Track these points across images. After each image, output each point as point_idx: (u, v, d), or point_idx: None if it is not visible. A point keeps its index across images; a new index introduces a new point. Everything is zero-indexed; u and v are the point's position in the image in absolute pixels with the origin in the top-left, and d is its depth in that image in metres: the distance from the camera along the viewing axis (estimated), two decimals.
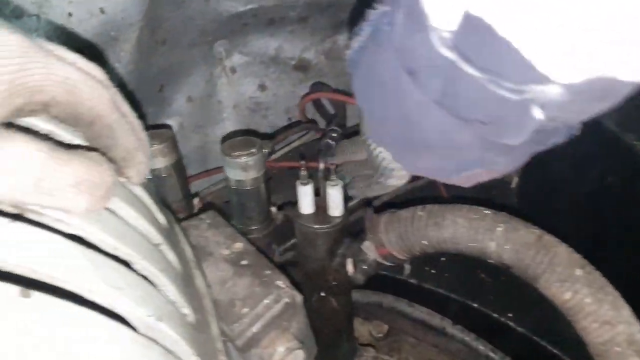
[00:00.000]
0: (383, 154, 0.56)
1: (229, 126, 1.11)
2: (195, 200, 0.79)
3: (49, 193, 0.30)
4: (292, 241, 0.76)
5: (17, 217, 0.30)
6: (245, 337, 0.51)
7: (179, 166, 0.71)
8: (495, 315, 0.89)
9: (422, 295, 0.95)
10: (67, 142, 0.34)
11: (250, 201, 0.70)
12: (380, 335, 0.98)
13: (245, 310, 0.52)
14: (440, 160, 0.46)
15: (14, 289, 0.27)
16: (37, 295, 0.27)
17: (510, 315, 0.87)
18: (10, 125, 0.30)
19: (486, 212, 0.60)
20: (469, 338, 0.88)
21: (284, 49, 1.09)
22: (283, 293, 0.54)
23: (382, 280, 0.97)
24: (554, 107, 0.34)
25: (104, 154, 0.34)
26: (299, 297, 0.55)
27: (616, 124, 0.65)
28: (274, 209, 0.75)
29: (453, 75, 0.35)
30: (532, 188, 0.87)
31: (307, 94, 1.10)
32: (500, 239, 0.59)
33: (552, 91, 0.33)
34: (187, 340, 0.34)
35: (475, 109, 0.37)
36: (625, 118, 0.64)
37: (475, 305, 0.90)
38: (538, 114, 0.35)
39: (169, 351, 0.31)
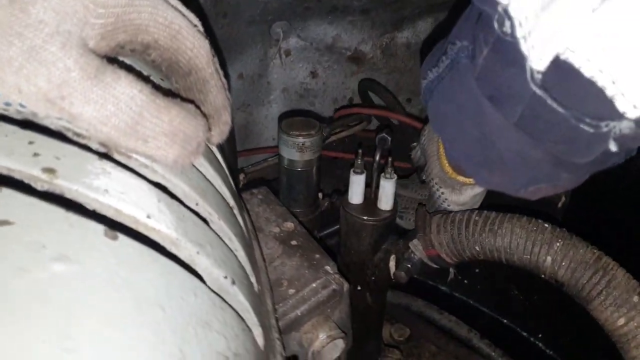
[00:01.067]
0: (445, 195, 0.62)
1: (275, 109, 1.10)
2: (241, 176, 0.78)
3: (143, 139, 0.29)
4: (333, 228, 0.75)
5: (105, 156, 0.29)
6: (288, 319, 0.50)
7: (231, 136, 0.70)
8: (524, 334, 0.87)
9: (452, 304, 0.93)
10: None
11: (300, 183, 0.69)
12: (402, 339, 0.97)
13: (292, 291, 0.51)
14: (512, 175, 0.49)
15: (100, 228, 0.26)
16: (122, 238, 0.26)
17: (540, 336, 0.85)
18: (113, 61, 0.29)
19: (545, 225, 0.58)
20: (494, 354, 0.86)
21: (341, 38, 1.08)
22: (332, 279, 0.52)
23: (412, 283, 0.96)
24: (626, 140, 0.38)
25: (199, 112, 0.33)
26: (346, 286, 0.53)
27: None
28: (320, 195, 0.74)
29: (536, 105, 0.38)
30: (580, 212, 0.85)
31: (343, 107, 1.10)
32: (557, 254, 0.57)
33: (626, 125, 0.36)
34: (254, 309, 0.33)
35: (552, 134, 0.40)
36: None
37: (505, 321, 0.89)
38: (613, 146, 0.38)
39: (241, 318, 0.30)
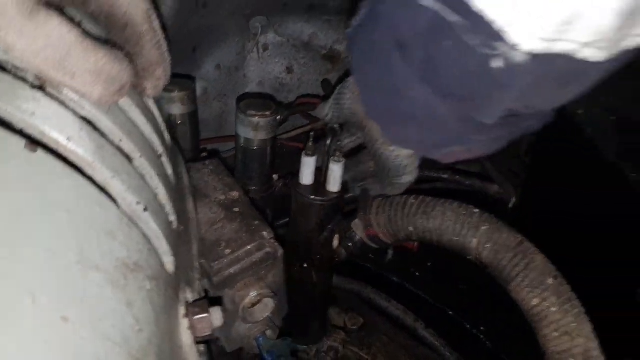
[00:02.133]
0: (397, 152, 0.59)
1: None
2: (203, 154, 0.82)
3: (70, 74, 0.33)
4: (287, 220, 0.79)
5: (39, 87, 0.33)
6: (222, 276, 0.54)
7: (193, 117, 0.74)
8: (468, 326, 0.91)
9: (402, 295, 0.97)
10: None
11: (254, 161, 0.73)
12: (355, 327, 1.00)
13: (228, 251, 0.55)
14: (422, 133, 0.51)
15: (22, 141, 0.30)
16: (40, 152, 0.30)
17: (482, 328, 0.89)
18: (50, 6, 0.33)
19: (475, 210, 0.62)
20: (438, 343, 0.90)
21: (317, 36, 1.12)
22: (267, 243, 0.56)
23: (366, 273, 1.00)
24: (522, 83, 0.38)
25: (128, 58, 0.37)
26: (280, 251, 0.57)
27: (616, 156, 0.67)
28: (275, 177, 0.78)
29: (434, 40, 0.39)
30: (532, 209, 0.89)
31: (305, 95, 1.14)
32: (483, 237, 0.61)
33: (519, 57, 0.36)
34: (168, 239, 0.36)
35: (453, 81, 0.41)
36: (624, 150, 0.66)
37: (450, 313, 0.92)
38: (513, 95, 0.39)
39: (148, 240, 0.34)
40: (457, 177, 0.96)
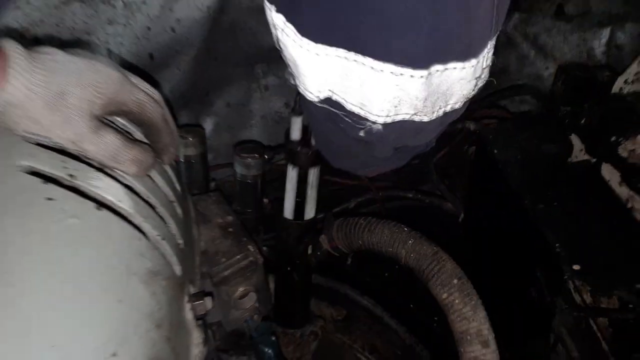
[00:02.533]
0: None
1: (255, 131, 1.38)
2: (212, 184, 1.07)
3: (118, 162, 0.57)
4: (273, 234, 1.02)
5: (100, 169, 0.57)
6: (219, 277, 0.78)
7: (204, 157, 0.99)
8: (423, 316, 1.13)
9: (376, 293, 1.19)
10: (133, 135, 0.61)
11: (248, 191, 0.97)
12: (340, 318, 1.23)
13: (223, 259, 0.79)
14: (350, 162, 0.68)
15: (93, 204, 0.54)
16: (104, 210, 0.54)
17: (435, 318, 1.11)
18: (105, 121, 0.57)
19: (405, 228, 0.85)
20: (400, 330, 1.13)
21: None
22: (250, 254, 0.80)
23: (345, 274, 1.23)
24: (387, 139, 0.53)
25: (152, 144, 0.61)
26: (261, 260, 0.81)
27: (518, 184, 0.89)
28: (266, 200, 1.02)
29: (330, 122, 0.53)
30: (472, 223, 1.11)
31: None
32: (409, 249, 0.83)
33: (377, 126, 0.50)
34: (177, 256, 0.61)
35: (345, 143, 0.58)
36: (524, 181, 0.88)
37: (411, 306, 1.15)
38: (376, 139, 0.52)
39: (164, 256, 0.58)
40: (420, 196, 1.19)
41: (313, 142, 0.84)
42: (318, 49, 0.45)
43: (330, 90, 0.49)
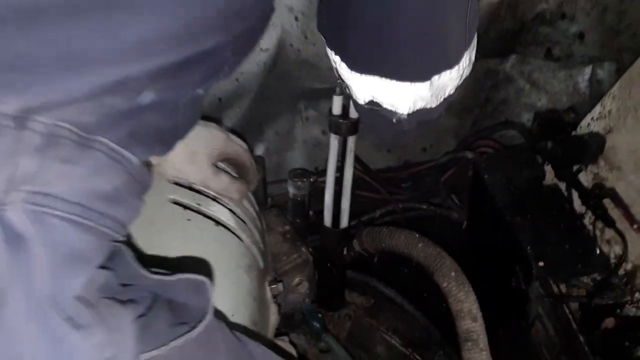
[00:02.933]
0: None
1: (297, 153, 1.69)
2: (269, 199, 1.38)
3: (227, 192, 0.88)
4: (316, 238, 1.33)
5: (213, 199, 0.89)
6: (282, 270, 1.08)
7: (264, 180, 1.30)
8: (434, 302, 1.43)
9: (397, 285, 1.49)
10: (232, 173, 0.93)
11: (298, 207, 1.27)
12: (368, 305, 1.54)
13: (284, 258, 1.09)
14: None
15: (213, 222, 0.85)
16: (220, 227, 0.85)
17: (444, 304, 1.41)
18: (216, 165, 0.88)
19: (417, 235, 1.15)
20: (416, 314, 1.43)
21: None
22: (303, 254, 1.11)
23: (373, 270, 1.53)
24: (411, 119, 0.74)
25: (244, 181, 0.93)
26: (310, 258, 1.12)
27: (502, 204, 1.18)
28: (311, 212, 1.32)
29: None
30: (471, 230, 1.40)
31: None
32: (419, 250, 1.13)
33: (404, 116, 0.71)
34: (260, 255, 0.92)
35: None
36: (508, 202, 1.18)
37: (425, 295, 1.45)
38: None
39: (254, 256, 0.89)
40: (431, 207, 1.49)
41: (350, 114, 1.14)
42: (362, 77, 0.69)
43: (371, 97, 0.71)
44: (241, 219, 0.90)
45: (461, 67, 0.70)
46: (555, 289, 1.20)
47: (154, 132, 0.52)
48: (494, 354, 1.11)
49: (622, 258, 1.06)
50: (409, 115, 0.72)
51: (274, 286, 0.93)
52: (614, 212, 1.09)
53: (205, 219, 0.85)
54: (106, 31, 0.43)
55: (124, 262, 0.51)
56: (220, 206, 0.88)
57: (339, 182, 1.21)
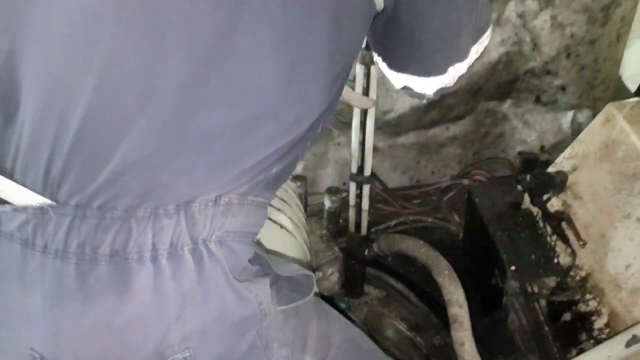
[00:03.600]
0: None
1: (330, 171, 2.07)
2: (308, 209, 1.76)
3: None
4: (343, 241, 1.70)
5: (279, 209, 1.27)
6: (319, 263, 1.46)
7: (306, 194, 1.68)
8: (435, 295, 1.80)
9: (406, 280, 1.86)
10: None
11: (331, 216, 1.65)
12: (381, 296, 1.91)
13: (321, 254, 1.47)
14: None
15: (278, 226, 1.24)
16: (283, 230, 1.24)
17: (441, 297, 1.77)
18: None
19: (421, 242, 1.52)
20: (420, 305, 1.80)
21: None
22: (335, 252, 1.48)
23: (387, 268, 1.90)
24: (436, 94, 1.01)
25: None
26: (341, 255, 1.49)
27: (488, 224, 1.55)
28: (340, 220, 1.70)
29: None
30: (466, 239, 1.77)
31: None
32: (422, 253, 1.51)
33: (432, 96, 1.02)
34: (309, 252, 1.30)
35: None
36: (492, 220, 1.55)
37: (427, 289, 1.82)
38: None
39: (306, 254, 1.28)
40: (436, 220, 1.87)
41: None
42: (398, 74, 0.96)
43: (405, 85, 0.97)
44: (296, 224, 1.29)
45: (468, 60, 0.95)
46: (529, 289, 1.58)
47: (280, 177, 0.86)
48: (478, 338, 1.48)
49: (572, 266, 1.42)
50: (434, 94, 1.00)
51: (315, 274, 1.31)
52: (569, 232, 1.46)
53: (273, 223, 1.23)
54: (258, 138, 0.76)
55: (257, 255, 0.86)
56: (283, 215, 1.26)
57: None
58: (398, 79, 0.98)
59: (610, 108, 1.49)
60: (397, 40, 0.89)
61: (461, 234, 1.80)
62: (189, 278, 0.73)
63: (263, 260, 0.86)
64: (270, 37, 0.71)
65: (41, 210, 0.70)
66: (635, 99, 1.53)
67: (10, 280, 0.72)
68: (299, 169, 1.98)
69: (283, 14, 0.70)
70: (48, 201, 0.71)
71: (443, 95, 1.70)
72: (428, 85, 0.97)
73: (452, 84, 0.98)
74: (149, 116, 0.69)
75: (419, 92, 0.99)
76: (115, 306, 0.71)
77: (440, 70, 0.94)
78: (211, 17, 0.68)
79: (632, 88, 2.01)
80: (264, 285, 0.82)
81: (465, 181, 1.74)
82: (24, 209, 0.70)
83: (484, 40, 0.97)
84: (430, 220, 1.86)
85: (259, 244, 0.90)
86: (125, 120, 0.69)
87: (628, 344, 1.12)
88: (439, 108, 1.83)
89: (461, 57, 0.94)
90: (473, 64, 0.99)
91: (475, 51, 0.96)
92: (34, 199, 0.71)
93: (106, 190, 0.70)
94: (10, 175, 0.73)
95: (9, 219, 0.71)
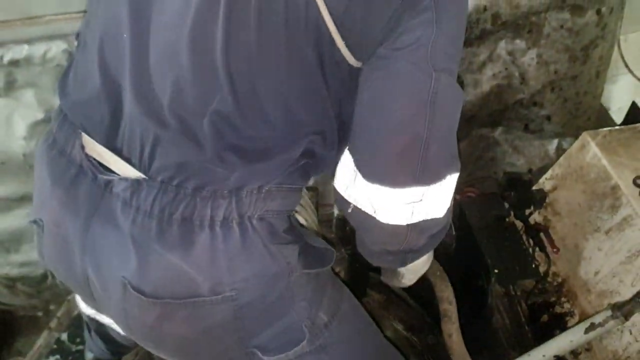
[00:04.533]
0: None
1: None
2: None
3: None
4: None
5: (296, 211, 1.50)
6: None
7: (316, 204, 1.90)
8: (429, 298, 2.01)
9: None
10: None
11: (340, 223, 1.87)
12: (382, 300, 2.12)
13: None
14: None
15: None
16: (303, 228, 1.47)
17: (434, 299, 1.99)
18: None
19: None
20: (416, 306, 2.01)
21: None
22: (342, 253, 1.70)
23: None
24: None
25: None
26: (346, 256, 1.71)
27: (476, 233, 1.77)
28: (347, 227, 1.92)
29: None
30: (457, 248, 1.99)
31: None
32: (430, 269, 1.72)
33: None
34: None
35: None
36: (480, 230, 1.76)
37: (422, 294, 2.03)
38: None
39: None
40: None
41: None
42: (367, 184, 1.01)
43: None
44: (310, 225, 1.51)
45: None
46: (512, 291, 1.79)
47: (309, 169, 1.06)
48: (465, 334, 1.69)
49: (548, 270, 1.64)
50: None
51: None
52: (546, 242, 1.68)
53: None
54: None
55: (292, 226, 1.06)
56: (300, 216, 1.49)
57: None
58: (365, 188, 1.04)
59: (585, 136, 1.73)
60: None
61: (454, 244, 2.02)
62: (235, 243, 0.97)
63: (296, 231, 1.09)
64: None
65: (137, 182, 0.97)
66: (608, 128, 1.76)
67: (111, 224, 0.99)
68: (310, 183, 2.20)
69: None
70: (142, 176, 0.98)
71: None
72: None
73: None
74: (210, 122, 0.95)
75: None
76: (184, 255, 0.96)
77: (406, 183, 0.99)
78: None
79: (619, 120, 2.24)
80: (293, 250, 1.05)
81: (457, 197, 1.96)
82: (126, 179, 0.98)
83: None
84: None
85: (294, 219, 1.12)
86: (191, 131, 0.96)
87: (586, 331, 1.33)
88: None
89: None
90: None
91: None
92: (133, 173, 0.99)
93: (180, 174, 0.96)
94: (119, 153, 1.00)
95: (117, 185, 0.98)
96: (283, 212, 1.04)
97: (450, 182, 1.02)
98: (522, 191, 1.75)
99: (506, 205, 1.79)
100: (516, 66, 1.99)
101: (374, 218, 1.03)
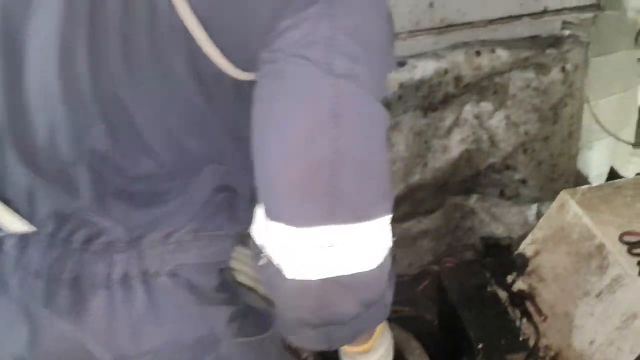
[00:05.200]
0: None
1: None
2: None
3: None
4: None
5: None
6: None
7: None
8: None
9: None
10: None
11: None
12: None
13: None
14: None
15: None
16: None
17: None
18: None
19: (393, 324, 1.58)
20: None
21: None
22: None
23: None
24: None
25: None
26: None
27: (457, 305, 1.63)
28: None
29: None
30: (440, 320, 1.83)
31: None
32: (395, 334, 1.56)
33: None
34: None
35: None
36: (460, 300, 1.62)
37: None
38: None
39: None
40: (409, 308, 1.93)
41: None
42: (272, 223, 0.74)
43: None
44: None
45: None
46: None
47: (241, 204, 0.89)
48: None
49: (537, 342, 1.49)
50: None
51: None
52: (532, 310, 1.54)
53: None
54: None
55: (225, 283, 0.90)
56: (242, 273, 1.33)
57: None
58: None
59: (564, 194, 1.64)
60: None
61: (436, 321, 1.86)
62: (139, 305, 0.82)
63: (232, 290, 0.92)
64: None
65: (26, 236, 0.84)
66: (587, 186, 1.68)
67: (0, 291, 0.85)
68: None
69: None
70: (32, 229, 0.85)
71: (412, 189, 1.85)
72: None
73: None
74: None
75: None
76: (77, 321, 0.81)
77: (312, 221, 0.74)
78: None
79: None
80: (221, 313, 0.88)
81: (435, 267, 1.83)
82: (14, 235, 0.85)
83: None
84: (407, 308, 1.92)
85: (230, 274, 0.94)
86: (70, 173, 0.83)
87: None
88: (410, 201, 1.95)
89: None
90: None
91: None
92: (22, 227, 0.85)
93: (64, 226, 0.83)
94: (9, 204, 0.87)
95: (6, 242, 0.85)
96: (208, 266, 0.89)
97: (379, 225, 0.77)
98: (501, 257, 1.63)
99: (487, 273, 1.66)
100: (484, 129, 1.92)
101: (279, 271, 0.76)
